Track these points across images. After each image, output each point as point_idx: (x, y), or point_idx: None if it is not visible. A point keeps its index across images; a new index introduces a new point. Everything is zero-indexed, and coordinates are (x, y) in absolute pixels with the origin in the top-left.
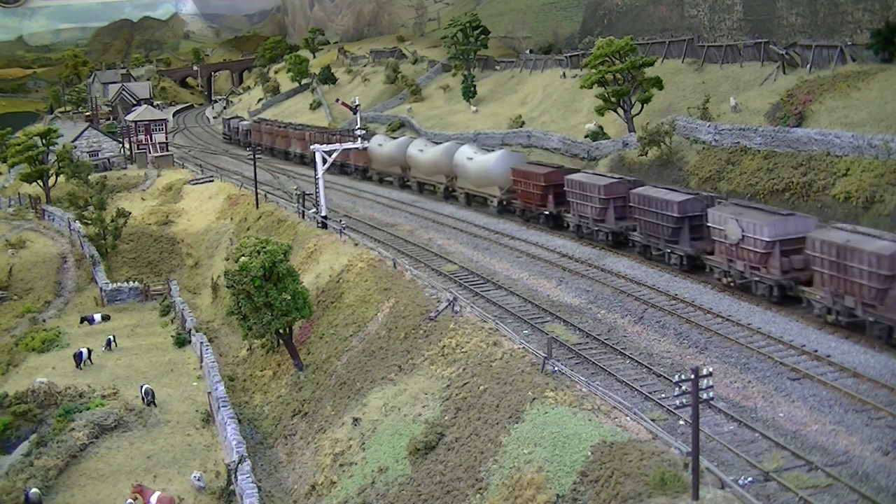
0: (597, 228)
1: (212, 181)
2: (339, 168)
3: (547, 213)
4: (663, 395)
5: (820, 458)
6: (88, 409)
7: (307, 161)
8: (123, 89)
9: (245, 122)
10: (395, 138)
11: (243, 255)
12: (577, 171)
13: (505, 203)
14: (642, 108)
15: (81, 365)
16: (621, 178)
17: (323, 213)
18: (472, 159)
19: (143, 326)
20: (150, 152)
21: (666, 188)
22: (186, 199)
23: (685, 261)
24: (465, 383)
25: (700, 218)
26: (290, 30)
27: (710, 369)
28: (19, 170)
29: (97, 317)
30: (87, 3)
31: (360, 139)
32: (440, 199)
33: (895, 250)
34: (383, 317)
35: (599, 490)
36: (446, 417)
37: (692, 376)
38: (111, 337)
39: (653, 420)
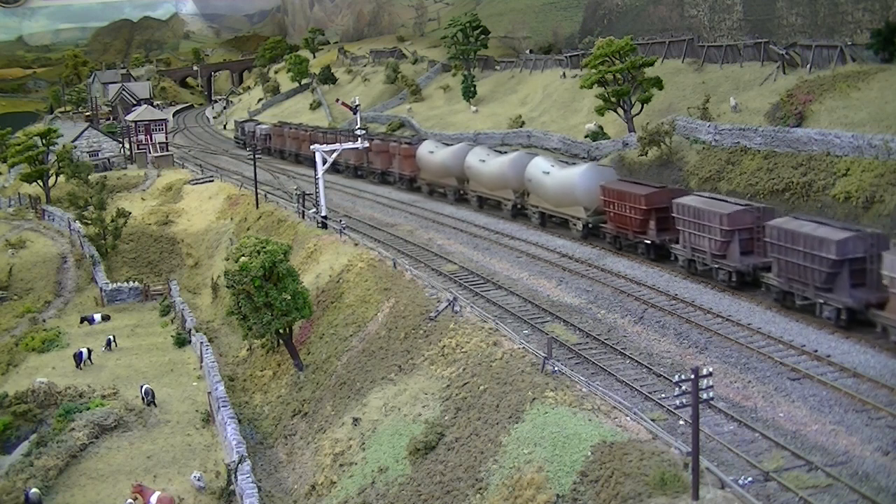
0: (716, 265)
1: (212, 181)
2: (380, 176)
3: (648, 242)
4: (663, 395)
5: (820, 458)
6: (88, 409)
7: (342, 170)
8: (123, 89)
9: (264, 126)
10: (449, 145)
11: (243, 255)
12: (688, 191)
13: (591, 226)
14: (642, 108)
15: (81, 365)
16: (748, 204)
17: (323, 213)
18: (549, 173)
19: (143, 326)
20: (150, 152)
21: (816, 221)
22: (186, 199)
23: (843, 314)
24: (465, 383)
25: (863, 261)
26: (290, 30)
27: (710, 369)
28: (19, 170)
29: (97, 317)
30: (87, 3)
31: (359, 139)
32: (507, 218)
33: None
34: (383, 317)
35: (599, 490)
36: (446, 417)
37: (692, 376)
38: (111, 337)
39: (653, 420)
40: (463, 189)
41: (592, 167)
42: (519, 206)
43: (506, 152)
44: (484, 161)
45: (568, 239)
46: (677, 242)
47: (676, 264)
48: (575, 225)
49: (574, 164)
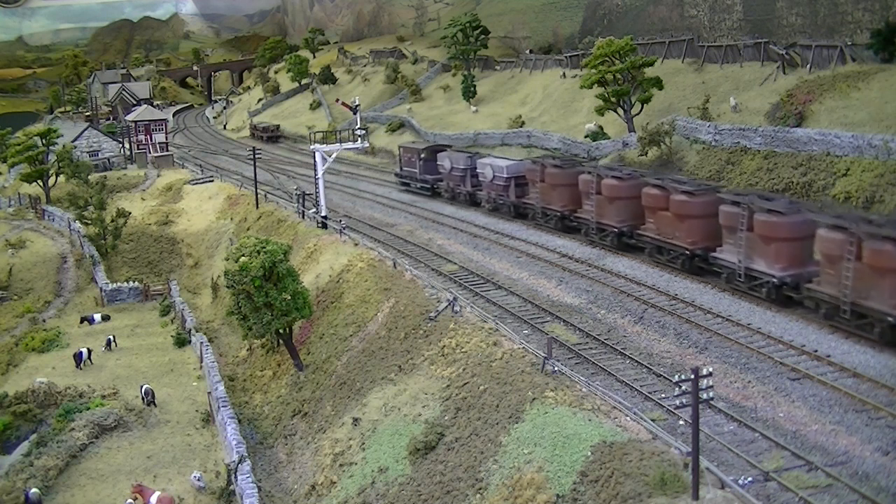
0: None
1: (212, 181)
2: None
3: None
4: (663, 395)
5: (820, 458)
6: (88, 409)
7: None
8: (123, 89)
9: (509, 164)
10: None
11: (243, 255)
12: None
13: None
14: (642, 108)
15: (81, 365)
16: None
17: (323, 213)
18: None
19: (143, 326)
20: (150, 152)
21: None
22: (186, 199)
23: None
24: (465, 383)
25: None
26: (290, 30)
27: (710, 369)
28: (19, 170)
29: (97, 317)
30: (87, 3)
31: (360, 139)
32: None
33: None
34: (383, 317)
35: (599, 490)
36: (446, 417)
37: (692, 376)
38: (111, 337)
39: (653, 420)
40: None
41: None
42: None
43: None
44: None
45: (568, 239)
46: None
47: None
48: None
49: None
